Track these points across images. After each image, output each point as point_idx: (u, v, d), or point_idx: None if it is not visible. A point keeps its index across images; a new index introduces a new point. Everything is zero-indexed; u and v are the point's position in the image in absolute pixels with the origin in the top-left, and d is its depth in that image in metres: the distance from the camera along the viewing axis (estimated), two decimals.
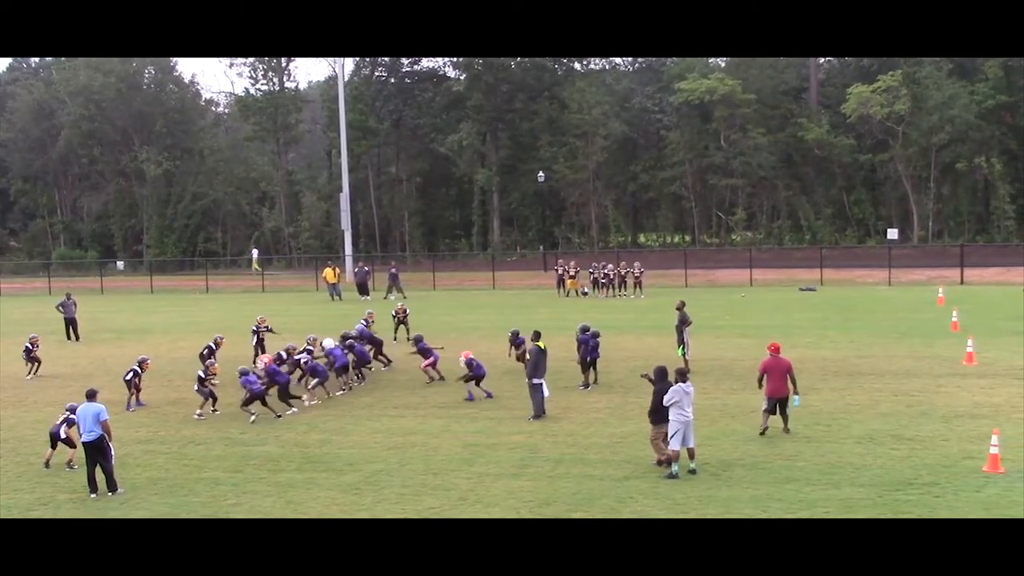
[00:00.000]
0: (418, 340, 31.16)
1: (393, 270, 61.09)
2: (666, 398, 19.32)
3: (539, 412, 24.81)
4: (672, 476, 19.10)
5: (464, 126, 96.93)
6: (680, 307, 31.15)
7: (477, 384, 27.88)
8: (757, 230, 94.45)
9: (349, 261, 75.89)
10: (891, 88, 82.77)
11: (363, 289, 60.12)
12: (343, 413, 26.39)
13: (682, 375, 19.71)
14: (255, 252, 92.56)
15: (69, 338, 43.34)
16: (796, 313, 44.92)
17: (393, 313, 39.66)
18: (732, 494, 18.14)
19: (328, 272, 61.32)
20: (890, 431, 22.32)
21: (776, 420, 22.62)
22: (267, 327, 35.45)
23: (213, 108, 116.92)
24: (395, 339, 37.71)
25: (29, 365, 34.35)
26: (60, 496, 19.66)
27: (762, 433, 22.40)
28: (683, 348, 30.51)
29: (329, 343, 30.58)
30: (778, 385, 22.35)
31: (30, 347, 34.48)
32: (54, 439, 21.72)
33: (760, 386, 22.81)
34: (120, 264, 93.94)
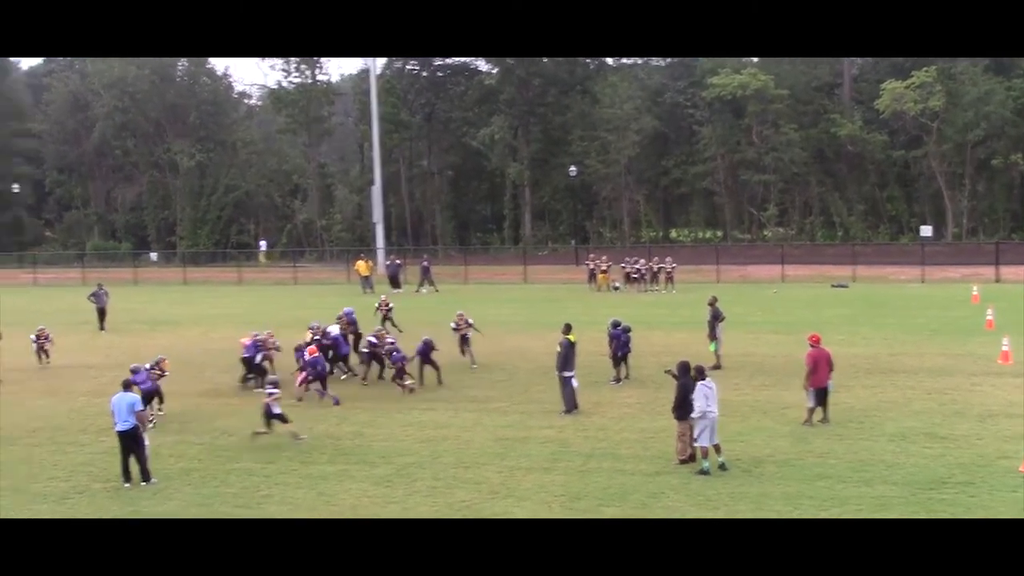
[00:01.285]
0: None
1: (425, 263, 61.22)
2: (695, 401, 19.22)
3: (571, 407, 24.78)
4: (703, 472, 19.06)
5: (496, 120, 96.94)
6: (712, 303, 31.00)
7: (322, 384, 27.00)
8: (789, 226, 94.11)
9: (381, 254, 76.09)
10: (925, 84, 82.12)
11: (395, 282, 60.22)
12: (375, 406, 26.44)
13: (700, 373, 19.64)
14: (263, 244, 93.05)
15: (103, 328, 43.65)
16: (828, 310, 44.71)
17: (376, 306, 39.17)
18: (763, 490, 18.09)
19: (360, 265, 61.44)
20: (923, 429, 22.19)
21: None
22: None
23: (246, 101, 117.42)
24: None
25: (41, 355, 34.24)
26: (95, 485, 19.80)
27: (807, 423, 22.68)
28: (715, 344, 30.41)
29: (334, 330, 30.64)
30: (823, 375, 22.49)
31: (36, 338, 34.28)
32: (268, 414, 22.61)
33: (808, 379, 22.74)
34: (153, 255, 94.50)
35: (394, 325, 38.10)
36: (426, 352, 28.97)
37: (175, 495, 18.98)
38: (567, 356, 24.76)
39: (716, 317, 30.58)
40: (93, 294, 44.93)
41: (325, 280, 70.30)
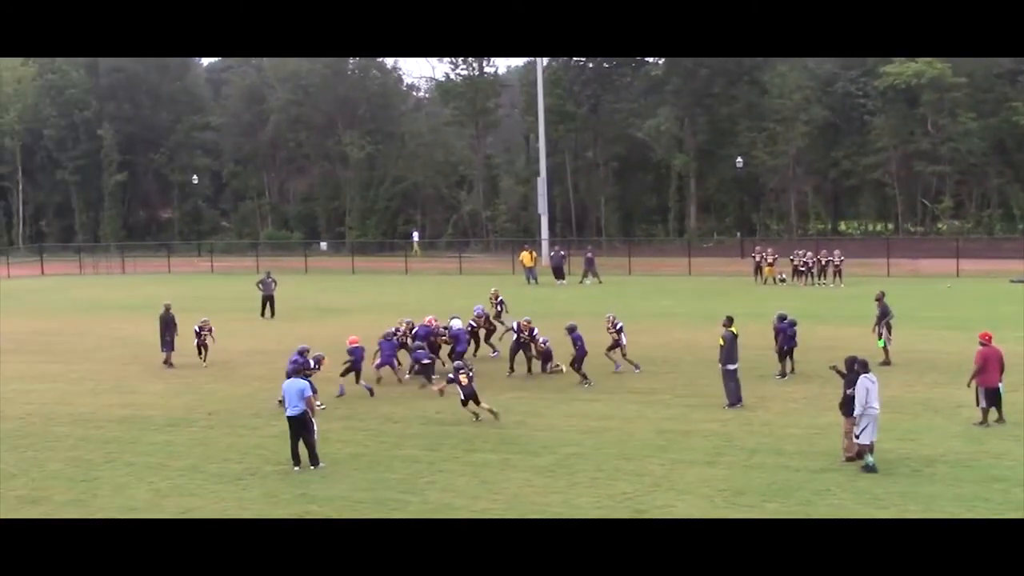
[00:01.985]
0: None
1: (589, 254, 61.24)
2: (855, 396, 18.77)
3: (734, 400, 24.49)
4: (869, 469, 18.62)
5: (662, 111, 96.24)
6: (880, 298, 30.30)
7: (356, 377, 27.72)
8: (965, 219, 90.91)
9: (545, 245, 76.30)
10: None
11: (559, 273, 60.44)
12: (537, 396, 26.59)
13: (864, 367, 19.15)
14: (415, 235, 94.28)
15: (263, 315, 44.75)
16: (1006, 306, 43.04)
17: (489, 296, 37.13)
18: (935, 491, 17.58)
19: (525, 255, 61.80)
20: None
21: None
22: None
23: (414, 93, 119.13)
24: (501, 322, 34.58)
25: (201, 350, 33.14)
26: (267, 468, 20.39)
27: (983, 423, 21.99)
28: (884, 340, 29.67)
29: (456, 324, 30.71)
30: (994, 375, 21.77)
31: (199, 330, 33.28)
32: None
33: (976, 377, 22.04)
34: (323, 245, 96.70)
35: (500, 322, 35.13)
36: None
37: (343, 479, 19.43)
38: (731, 349, 24.48)
39: (885, 313, 29.86)
40: (261, 282, 46.27)
41: (490, 270, 70.85)
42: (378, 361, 28.77)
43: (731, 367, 24.48)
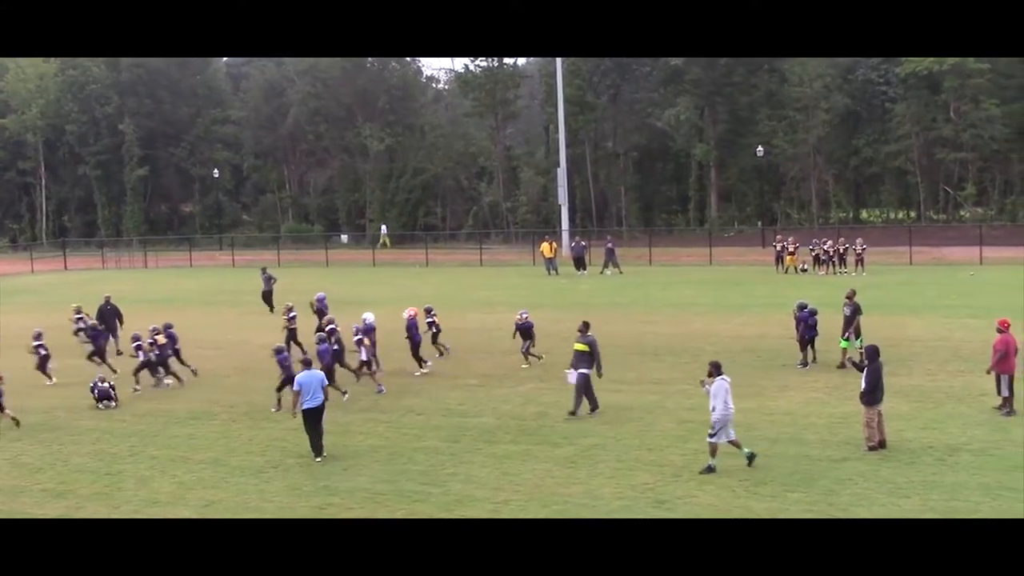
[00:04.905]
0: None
1: (609, 245, 61.12)
2: (715, 398, 18.48)
3: (578, 407, 23.58)
4: (710, 470, 18.45)
5: (682, 100, 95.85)
6: (851, 296, 28.85)
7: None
8: (988, 206, 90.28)
9: (566, 236, 76.20)
10: None
11: (580, 264, 60.35)
12: (560, 387, 26.51)
13: (717, 368, 18.88)
14: (384, 228, 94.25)
15: (272, 311, 44.32)
16: None
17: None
18: (958, 480, 17.52)
19: (545, 247, 61.70)
20: None
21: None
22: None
23: (434, 85, 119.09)
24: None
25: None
26: (288, 460, 20.50)
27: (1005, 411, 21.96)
28: (855, 342, 27.68)
29: (369, 317, 30.05)
30: (1012, 362, 21.71)
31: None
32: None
33: (998, 366, 21.96)
34: (344, 237, 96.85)
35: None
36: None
37: (364, 471, 19.50)
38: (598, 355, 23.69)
39: (856, 312, 28.80)
40: (262, 278, 45.72)
41: (510, 262, 70.89)
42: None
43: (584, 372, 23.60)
